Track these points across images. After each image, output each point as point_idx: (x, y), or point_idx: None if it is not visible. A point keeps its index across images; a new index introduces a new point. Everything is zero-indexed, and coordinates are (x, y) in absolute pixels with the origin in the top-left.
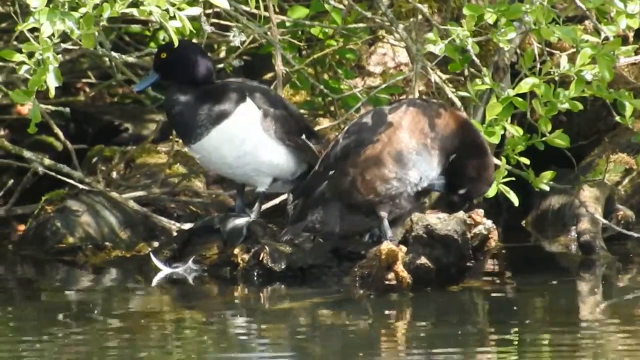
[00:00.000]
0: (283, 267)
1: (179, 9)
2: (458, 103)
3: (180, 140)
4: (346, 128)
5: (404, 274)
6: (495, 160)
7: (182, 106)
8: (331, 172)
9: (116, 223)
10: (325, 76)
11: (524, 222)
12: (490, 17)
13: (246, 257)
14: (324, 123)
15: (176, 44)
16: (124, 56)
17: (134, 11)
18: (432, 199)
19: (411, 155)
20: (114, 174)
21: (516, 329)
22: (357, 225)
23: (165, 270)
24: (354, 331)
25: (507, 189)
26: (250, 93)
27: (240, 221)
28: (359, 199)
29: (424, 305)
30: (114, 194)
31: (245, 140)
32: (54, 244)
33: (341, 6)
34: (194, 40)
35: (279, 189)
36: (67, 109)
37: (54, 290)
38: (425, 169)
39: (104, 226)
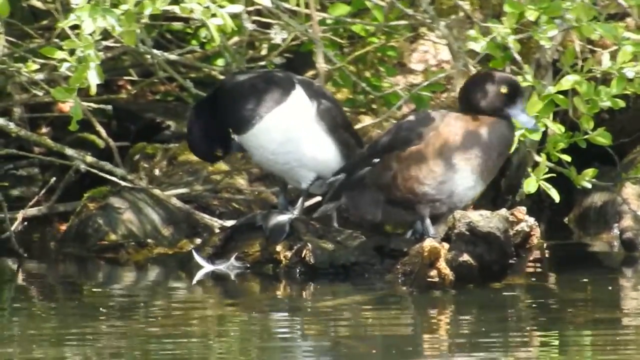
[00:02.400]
0: (325, 264)
1: (220, 6)
2: None
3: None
4: (400, 122)
5: (447, 271)
6: (536, 157)
7: (234, 93)
8: (375, 160)
9: (158, 220)
10: (367, 74)
11: (566, 219)
12: (531, 15)
13: (289, 254)
14: (366, 121)
15: (218, 41)
16: (165, 54)
17: (175, 8)
18: (475, 196)
19: (454, 164)
20: (156, 171)
21: (558, 326)
22: (395, 217)
23: (207, 268)
24: (397, 329)
25: (548, 185)
26: (301, 83)
27: (283, 218)
28: (398, 194)
29: (466, 302)
30: (157, 191)
31: (294, 129)
32: (96, 242)
33: (383, 3)
34: (235, 38)
35: (320, 190)
36: (109, 107)
37: (96, 287)
38: (463, 182)
39: (146, 223)
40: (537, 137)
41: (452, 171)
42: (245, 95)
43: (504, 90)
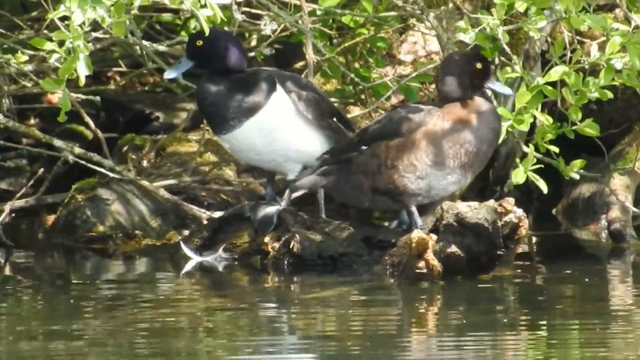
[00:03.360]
0: (313, 255)
1: None
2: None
3: (211, 130)
4: (391, 114)
5: (435, 262)
6: (524, 148)
7: (214, 97)
8: (364, 147)
9: (147, 211)
10: (356, 65)
11: (554, 210)
12: (520, 6)
13: (277, 245)
14: (355, 111)
15: (207, 32)
16: (155, 45)
17: (165, 0)
18: (462, 187)
19: (439, 161)
20: (145, 163)
21: (546, 317)
22: (381, 205)
23: (195, 259)
24: (385, 319)
25: (536, 176)
26: (280, 81)
27: (271, 209)
28: (381, 183)
29: (454, 293)
30: (145, 183)
31: (278, 129)
32: (84, 233)
33: None
34: (226, 29)
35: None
36: (98, 98)
37: (84, 279)
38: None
39: (135, 215)
40: (525, 127)
41: (434, 167)
42: (225, 98)
43: (479, 66)
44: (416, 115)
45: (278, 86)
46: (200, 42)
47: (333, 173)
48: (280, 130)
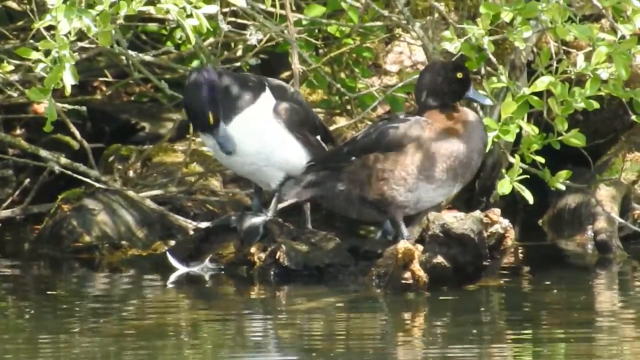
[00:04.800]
0: (299, 266)
1: (195, 7)
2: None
3: (198, 131)
4: (382, 127)
5: (421, 273)
6: (510, 159)
7: (201, 96)
8: (353, 158)
9: (133, 222)
10: (342, 75)
11: (540, 221)
12: (506, 16)
13: (263, 255)
14: (341, 122)
15: (193, 41)
16: (141, 55)
17: (151, 9)
18: (449, 198)
19: (429, 175)
20: (131, 173)
21: (532, 328)
22: (367, 216)
23: (181, 269)
24: (371, 330)
25: (522, 187)
26: (269, 84)
27: (257, 220)
28: (370, 194)
29: (440, 304)
30: (131, 193)
31: (262, 130)
32: (71, 243)
33: (358, 4)
34: (211, 39)
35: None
36: (84, 108)
37: (70, 289)
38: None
39: (121, 225)
40: (511, 138)
41: (425, 180)
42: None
43: (460, 75)
44: (406, 127)
45: (267, 88)
46: (211, 119)
47: (322, 182)
48: (264, 133)
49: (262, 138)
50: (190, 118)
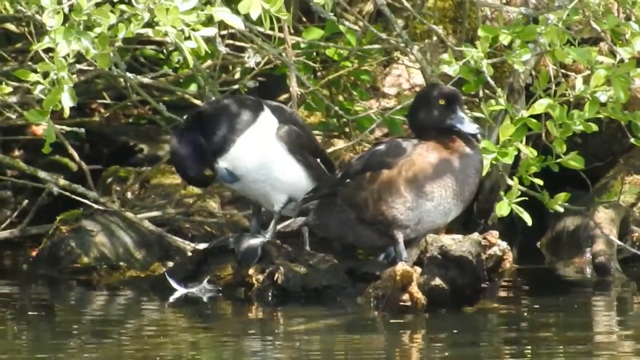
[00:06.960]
0: (297, 287)
1: (193, 29)
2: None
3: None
4: (373, 149)
5: (419, 295)
6: (509, 181)
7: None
8: (348, 180)
9: (131, 243)
10: (340, 97)
11: (538, 243)
12: (505, 39)
13: (261, 277)
14: (339, 144)
15: (191, 64)
16: (139, 77)
17: (149, 31)
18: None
19: (426, 192)
20: (129, 195)
21: (530, 351)
22: (365, 240)
23: (180, 291)
24: (369, 353)
25: (521, 209)
26: (268, 105)
27: (255, 241)
28: (368, 215)
29: (438, 326)
30: (129, 214)
31: (265, 151)
32: (69, 264)
33: (356, 27)
34: (209, 62)
35: (293, 213)
36: (82, 130)
37: (68, 310)
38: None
39: (119, 246)
40: (509, 160)
41: (423, 199)
42: (219, 121)
43: (442, 102)
44: (400, 147)
45: (265, 107)
46: (208, 173)
47: (316, 209)
48: (267, 156)
49: (266, 161)
50: (188, 183)
